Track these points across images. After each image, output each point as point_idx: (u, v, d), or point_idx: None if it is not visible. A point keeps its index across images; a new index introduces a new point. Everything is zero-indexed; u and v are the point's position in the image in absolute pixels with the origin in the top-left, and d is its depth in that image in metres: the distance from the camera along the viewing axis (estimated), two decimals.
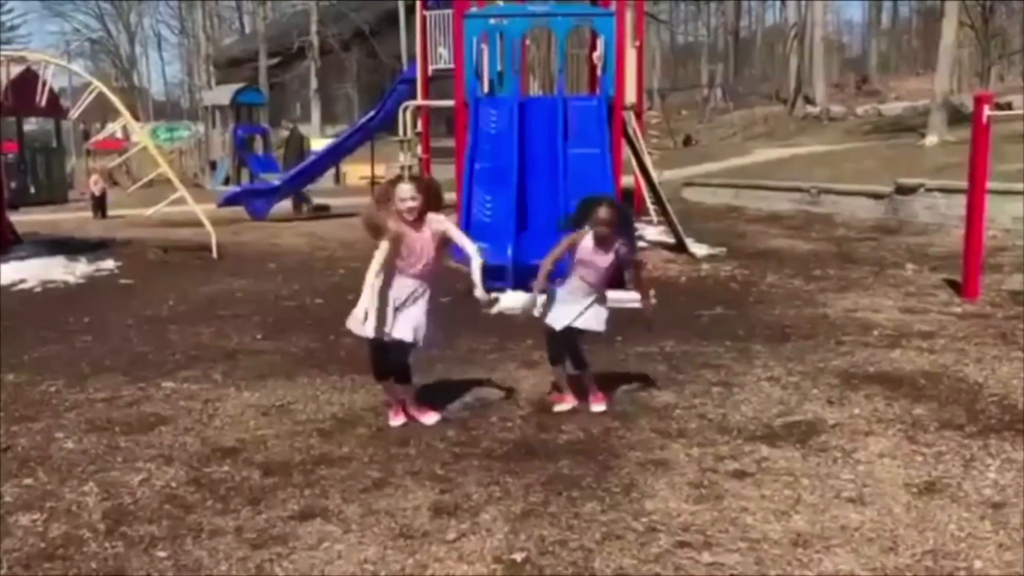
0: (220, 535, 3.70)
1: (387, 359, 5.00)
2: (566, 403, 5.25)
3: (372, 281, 4.81)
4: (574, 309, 5.15)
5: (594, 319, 5.20)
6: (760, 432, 4.80)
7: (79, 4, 62.26)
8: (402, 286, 4.88)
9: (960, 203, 9.60)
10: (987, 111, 8.20)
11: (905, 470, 4.26)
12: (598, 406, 5.20)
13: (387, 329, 4.88)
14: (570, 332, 5.20)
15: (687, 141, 33.27)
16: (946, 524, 3.69)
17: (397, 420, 5.04)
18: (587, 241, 5.09)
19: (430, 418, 5.05)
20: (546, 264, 5.18)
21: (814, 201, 15.75)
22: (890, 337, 6.86)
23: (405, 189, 4.79)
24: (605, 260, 5.11)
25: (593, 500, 3.96)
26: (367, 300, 4.80)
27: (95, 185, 19.58)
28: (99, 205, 19.27)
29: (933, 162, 16.37)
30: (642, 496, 4.00)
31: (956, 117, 21.82)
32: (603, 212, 5.02)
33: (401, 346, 4.92)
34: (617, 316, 5.55)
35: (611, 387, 5.47)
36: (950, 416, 4.99)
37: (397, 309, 4.88)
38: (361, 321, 4.83)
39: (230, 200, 17.35)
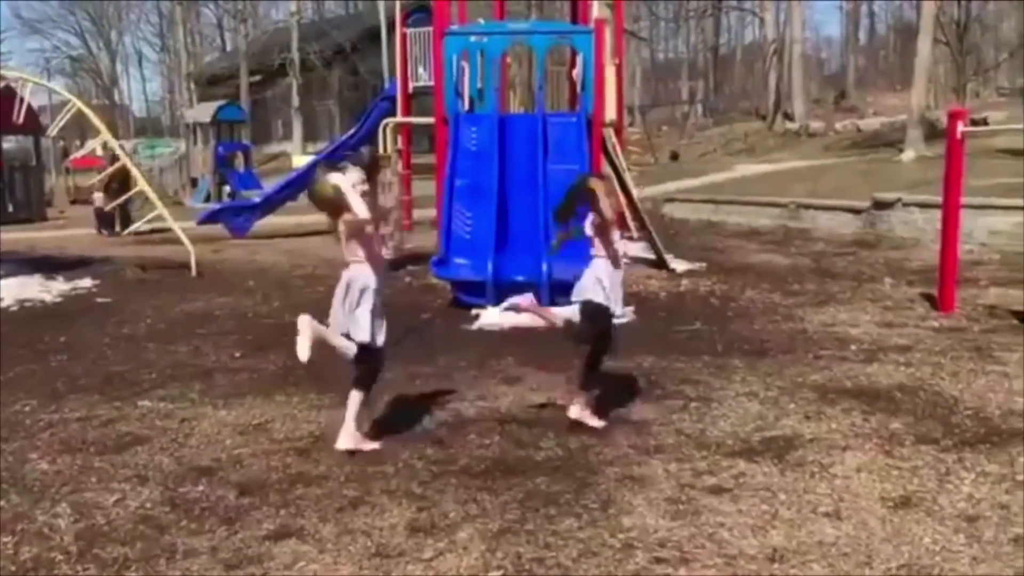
0: (194, 556, 3.67)
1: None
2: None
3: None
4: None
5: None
6: (738, 447, 4.82)
7: (59, 22, 62.05)
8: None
9: (937, 217, 9.69)
10: (961, 127, 8.29)
11: (881, 484, 4.28)
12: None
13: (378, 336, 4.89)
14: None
15: (674, 156, 33.37)
16: (921, 538, 3.71)
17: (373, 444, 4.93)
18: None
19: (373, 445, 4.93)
20: None
21: (793, 216, 15.85)
22: (867, 351, 6.90)
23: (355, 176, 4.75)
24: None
25: (570, 517, 3.96)
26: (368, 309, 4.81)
27: (101, 202, 19.13)
28: (109, 221, 18.71)
29: (910, 177, 16.49)
30: (619, 512, 4.00)
31: (933, 133, 22.02)
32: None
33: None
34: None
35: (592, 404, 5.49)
36: (926, 430, 5.02)
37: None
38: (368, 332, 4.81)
39: (210, 218, 17.26)
